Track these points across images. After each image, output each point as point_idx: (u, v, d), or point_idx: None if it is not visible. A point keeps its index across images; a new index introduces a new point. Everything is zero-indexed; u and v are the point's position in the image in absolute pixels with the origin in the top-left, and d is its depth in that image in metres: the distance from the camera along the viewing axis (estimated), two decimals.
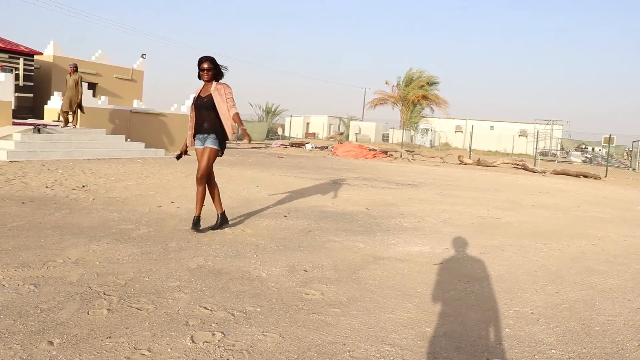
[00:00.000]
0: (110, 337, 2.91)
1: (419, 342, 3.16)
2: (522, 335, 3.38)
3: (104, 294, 3.61)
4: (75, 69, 15.35)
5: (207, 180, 5.77)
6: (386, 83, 54.06)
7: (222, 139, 5.74)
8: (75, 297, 3.50)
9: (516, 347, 3.17)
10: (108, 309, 3.33)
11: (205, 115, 5.61)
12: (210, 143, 5.66)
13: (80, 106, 15.45)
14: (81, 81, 15.43)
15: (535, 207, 10.22)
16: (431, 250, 5.69)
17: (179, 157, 5.90)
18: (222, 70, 5.71)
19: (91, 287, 3.74)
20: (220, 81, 5.71)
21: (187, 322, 3.20)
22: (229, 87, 5.72)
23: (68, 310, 3.28)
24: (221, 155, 5.87)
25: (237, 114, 5.67)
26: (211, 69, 5.54)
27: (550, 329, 3.53)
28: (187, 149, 5.91)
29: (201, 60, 5.54)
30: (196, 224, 5.76)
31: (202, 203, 5.80)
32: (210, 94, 5.59)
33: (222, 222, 6.00)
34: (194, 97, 5.75)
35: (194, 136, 5.76)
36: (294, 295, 3.85)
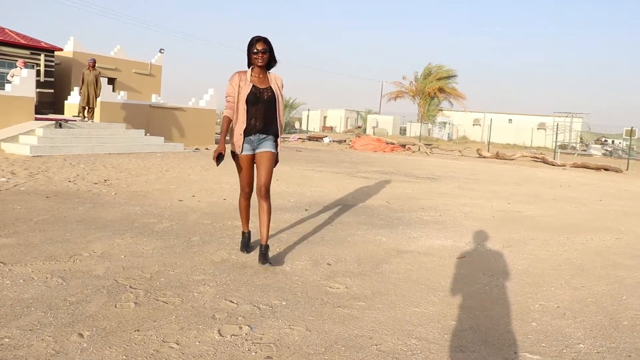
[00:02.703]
0: (138, 330, 2.95)
1: (446, 335, 3.15)
2: (549, 329, 3.35)
3: (130, 287, 3.65)
4: (94, 64, 15.53)
5: (267, 195, 4.51)
6: (403, 78, 53.81)
7: (277, 142, 4.63)
8: (102, 291, 3.55)
9: (543, 341, 3.14)
10: (135, 302, 3.36)
11: (264, 112, 4.44)
12: (271, 146, 4.53)
13: (95, 101, 15.70)
14: (100, 77, 15.64)
15: (556, 200, 10.10)
16: (453, 243, 5.66)
17: (220, 160, 4.44)
18: (276, 57, 4.54)
19: (117, 280, 3.78)
20: (271, 71, 4.60)
21: (214, 315, 3.23)
22: (283, 82, 4.64)
23: (96, 303, 3.32)
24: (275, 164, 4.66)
25: (281, 124, 4.64)
26: (267, 51, 4.40)
27: (577, 323, 3.49)
28: (224, 152, 4.47)
29: (255, 40, 4.40)
30: (248, 242, 4.84)
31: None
32: (270, 86, 4.49)
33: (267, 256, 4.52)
34: (246, 88, 4.41)
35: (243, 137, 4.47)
36: (319, 289, 3.86)
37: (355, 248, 5.18)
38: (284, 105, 4.48)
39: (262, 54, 4.39)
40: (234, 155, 4.54)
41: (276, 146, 4.58)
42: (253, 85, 4.42)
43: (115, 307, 3.28)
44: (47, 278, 3.73)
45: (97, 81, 15.38)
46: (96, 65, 16.02)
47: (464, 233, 6.26)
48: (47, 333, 2.84)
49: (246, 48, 4.45)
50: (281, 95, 4.57)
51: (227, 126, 4.50)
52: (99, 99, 16.14)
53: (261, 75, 4.50)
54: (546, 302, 3.89)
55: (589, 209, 9.08)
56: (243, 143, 4.45)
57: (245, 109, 4.41)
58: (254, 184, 4.62)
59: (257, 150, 4.51)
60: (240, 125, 4.43)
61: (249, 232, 4.88)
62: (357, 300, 3.66)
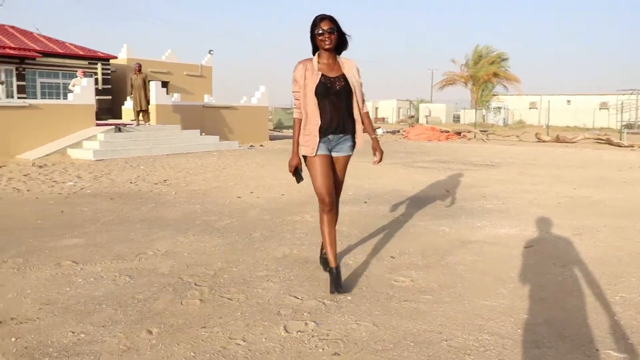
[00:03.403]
0: (205, 327, 2.95)
1: (519, 330, 2.99)
2: (634, 324, 3.10)
3: (195, 284, 3.68)
4: (139, 68, 15.95)
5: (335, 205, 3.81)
6: (453, 62, 52.64)
7: (355, 143, 3.86)
8: (168, 288, 3.59)
9: (630, 338, 2.91)
10: (200, 299, 3.38)
11: (337, 106, 3.66)
12: (349, 149, 3.81)
13: (148, 103, 16.15)
14: (147, 79, 16.07)
15: (626, 183, 9.56)
16: (519, 232, 5.43)
17: (299, 177, 3.78)
18: (347, 37, 3.70)
19: (182, 278, 3.82)
20: (342, 56, 3.77)
21: (279, 311, 3.20)
22: (358, 67, 3.81)
23: (163, 300, 3.37)
24: None
25: (368, 115, 3.87)
26: (334, 31, 3.56)
27: None
28: (300, 165, 3.76)
29: (319, 19, 3.59)
30: (338, 279, 3.63)
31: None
32: (343, 74, 3.68)
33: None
34: (314, 78, 3.62)
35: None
36: (384, 283, 3.77)
37: (418, 239, 5.06)
38: (362, 94, 3.78)
39: (328, 34, 3.57)
40: (306, 160, 3.74)
41: (353, 147, 3.84)
42: (322, 75, 3.63)
43: (182, 304, 3.31)
44: (115, 276, 3.82)
45: (144, 84, 15.80)
46: (143, 69, 16.46)
47: (529, 221, 6.00)
48: (118, 329, 2.90)
49: (309, 31, 3.66)
50: (360, 83, 3.74)
51: (300, 130, 3.71)
52: (151, 101, 16.59)
53: (330, 61, 3.68)
54: (628, 294, 3.63)
55: None
56: (319, 143, 3.65)
57: (316, 102, 3.61)
58: (333, 193, 3.73)
59: (333, 154, 3.76)
60: (313, 123, 3.62)
61: (339, 267, 3.69)
62: (423, 294, 3.55)
